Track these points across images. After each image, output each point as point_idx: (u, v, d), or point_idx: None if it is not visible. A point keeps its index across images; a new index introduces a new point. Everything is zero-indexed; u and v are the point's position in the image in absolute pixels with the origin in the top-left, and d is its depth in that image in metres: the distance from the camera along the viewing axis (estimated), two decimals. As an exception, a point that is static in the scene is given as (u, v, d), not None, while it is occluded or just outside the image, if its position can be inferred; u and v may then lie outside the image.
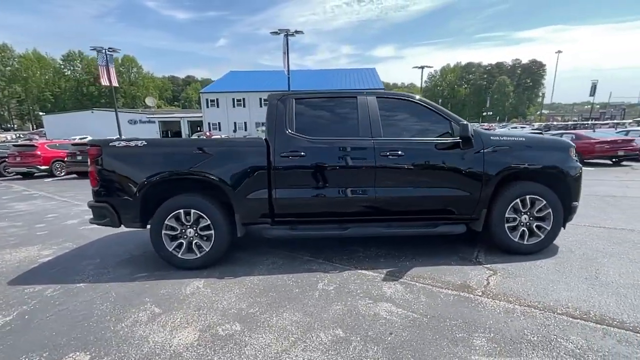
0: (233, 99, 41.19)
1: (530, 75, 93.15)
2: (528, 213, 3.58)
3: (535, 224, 3.58)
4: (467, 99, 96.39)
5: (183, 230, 3.51)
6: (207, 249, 3.50)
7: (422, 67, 35.45)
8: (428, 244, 4.04)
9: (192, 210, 3.45)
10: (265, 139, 3.51)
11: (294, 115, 3.56)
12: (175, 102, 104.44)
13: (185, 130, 45.98)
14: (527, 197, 3.53)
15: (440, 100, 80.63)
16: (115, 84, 24.21)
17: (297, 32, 20.44)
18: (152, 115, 47.40)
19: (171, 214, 3.45)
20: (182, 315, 2.62)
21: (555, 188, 3.56)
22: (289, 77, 20.61)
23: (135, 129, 41.20)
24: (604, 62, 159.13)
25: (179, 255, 3.50)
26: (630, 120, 32.60)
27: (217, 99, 41.10)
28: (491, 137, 3.56)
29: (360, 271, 3.35)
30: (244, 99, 41.24)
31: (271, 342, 2.23)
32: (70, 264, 3.83)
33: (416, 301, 2.70)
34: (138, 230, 5.02)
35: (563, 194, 3.57)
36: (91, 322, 2.55)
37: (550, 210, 3.55)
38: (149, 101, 50.93)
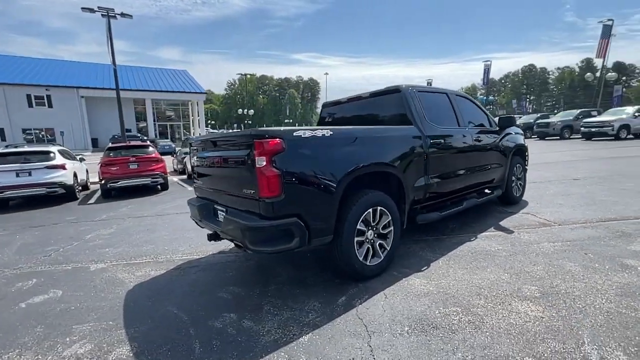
0: (-28, 94, 26.72)
1: (310, 90, 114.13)
2: (515, 175, 5.52)
3: (519, 182, 5.59)
4: (266, 108, 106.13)
5: (364, 233, 3.06)
6: (388, 248, 3.22)
7: (245, 75, 36.64)
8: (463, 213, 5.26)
9: (379, 208, 3.08)
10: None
11: (424, 106, 3.84)
12: None
13: None
14: (517, 165, 5.46)
15: (245, 110, 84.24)
16: None
17: (124, 15, 16.36)
18: None
19: (362, 216, 2.93)
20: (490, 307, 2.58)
21: (521, 158, 5.69)
22: (115, 69, 16.25)
23: None
24: (348, 85, 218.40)
25: (368, 263, 3.03)
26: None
27: None
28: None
29: (483, 234, 4.14)
30: (-6, 93, 27.63)
31: (584, 288, 2.77)
32: (209, 336, 2.37)
33: (549, 237, 3.88)
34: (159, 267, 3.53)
35: (524, 161, 5.76)
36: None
37: (523, 172, 5.65)
38: None
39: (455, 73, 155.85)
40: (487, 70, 36.04)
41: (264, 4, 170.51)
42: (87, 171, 12.28)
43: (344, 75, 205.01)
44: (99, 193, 10.74)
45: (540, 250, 3.53)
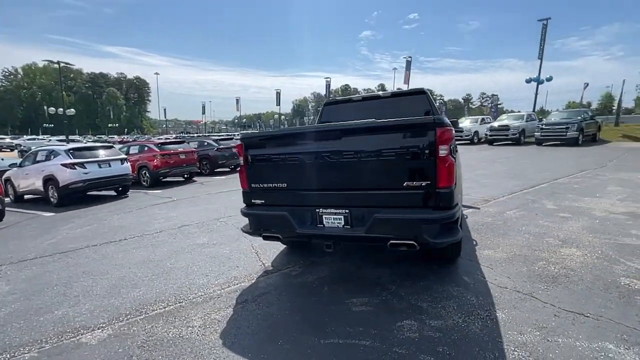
0: None
1: (137, 91, 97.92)
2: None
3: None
4: (75, 108, 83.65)
5: None
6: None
7: (58, 64, 27.07)
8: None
9: (456, 194, 3.44)
10: None
11: None
12: None
13: None
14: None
15: (46, 108, 62.95)
16: None
17: None
18: None
19: (458, 202, 3.23)
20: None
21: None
22: None
23: None
24: (179, 87, 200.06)
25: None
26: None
27: None
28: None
29: (465, 212, 5.17)
30: None
31: (574, 233, 4.01)
32: None
33: (503, 208, 5.30)
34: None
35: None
36: (577, 286, 2.70)
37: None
38: None
39: (285, 86, 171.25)
40: (328, 86, 41.85)
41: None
42: None
43: (173, 77, 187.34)
44: None
45: (513, 216, 4.82)
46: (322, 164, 2.67)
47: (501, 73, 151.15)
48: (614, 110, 54.72)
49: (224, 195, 8.27)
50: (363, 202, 2.62)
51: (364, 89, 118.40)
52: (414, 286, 2.91)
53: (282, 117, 71.86)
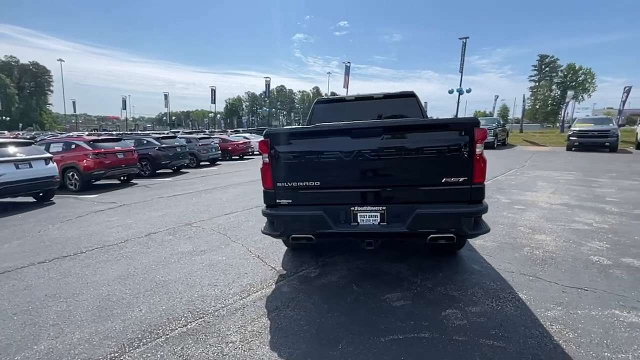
0: None
1: (34, 79, 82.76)
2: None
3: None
4: (-58, 96, 67.07)
5: None
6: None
7: None
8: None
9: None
10: None
11: None
12: None
13: None
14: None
15: None
16: None
17: None
18: None
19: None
20: (524, 240, 3.91)
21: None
22: None
23: None
24: (88, 79, 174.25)
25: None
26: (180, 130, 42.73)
27: None
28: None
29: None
30: None
31: (535, 222, 4.65)
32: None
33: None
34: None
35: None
36: None
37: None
38: None
39: (215, 83, 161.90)
40: (267, 85, 41.09)
41: None
42: None
43: (81, 66, 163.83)
44: None
45: (481, 210, 5.39)
46: (360, 162, 2.65)
47: (420, 83, 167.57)
48: (508, 120, 65.32)
49: (183, 198, 7.53)
50: (401, 198, 2.68)
51: (300, 91, 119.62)
52: (436, 278, 3.07)
53: (218, 116, 68.23)
